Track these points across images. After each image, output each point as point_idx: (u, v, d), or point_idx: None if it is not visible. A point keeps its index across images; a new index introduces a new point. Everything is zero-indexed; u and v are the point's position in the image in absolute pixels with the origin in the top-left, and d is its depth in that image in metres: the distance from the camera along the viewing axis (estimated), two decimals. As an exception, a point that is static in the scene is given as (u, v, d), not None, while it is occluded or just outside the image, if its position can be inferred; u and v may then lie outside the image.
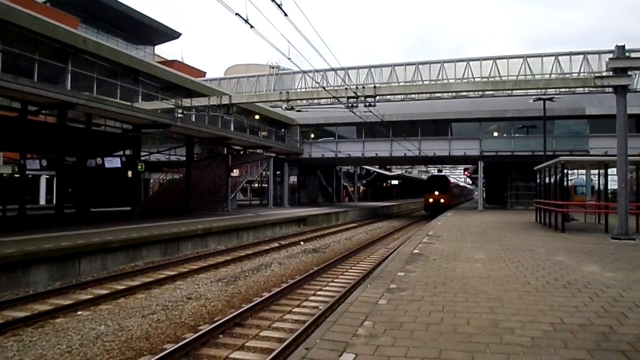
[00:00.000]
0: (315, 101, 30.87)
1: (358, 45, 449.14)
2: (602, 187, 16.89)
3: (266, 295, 8.67)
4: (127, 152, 20.65)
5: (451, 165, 54.23)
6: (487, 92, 31.16)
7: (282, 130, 33.90)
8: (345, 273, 11.60)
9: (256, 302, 8.09)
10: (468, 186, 75.70)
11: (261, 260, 13.24)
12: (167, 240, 13.62)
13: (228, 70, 68.52)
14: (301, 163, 36.14)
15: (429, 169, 42.09)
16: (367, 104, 17.43)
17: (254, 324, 7.19)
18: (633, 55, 14.88)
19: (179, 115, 20.64)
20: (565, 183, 17.14)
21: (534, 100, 25.37)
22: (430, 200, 37.19)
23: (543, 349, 4.18)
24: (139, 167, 18.60)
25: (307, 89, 39.19)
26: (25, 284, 9.21)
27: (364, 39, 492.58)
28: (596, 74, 25.66)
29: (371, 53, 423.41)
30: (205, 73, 50.27)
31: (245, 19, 10.67)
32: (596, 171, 19.85)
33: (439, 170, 43.70)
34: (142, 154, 21.01)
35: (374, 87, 20.50)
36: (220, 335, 6.59)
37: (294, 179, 42.29)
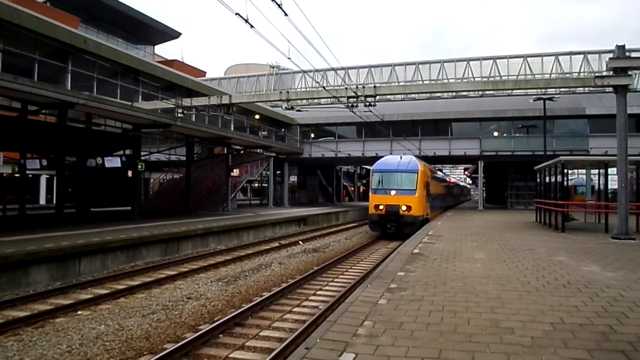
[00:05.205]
0: (315, 101, 30.85)
1: (369, 45, 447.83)
2: (602, 186, 16.91)
3: (266, 295, 8.67)
4: (127, 151, 20.64)
5: (451, 165, 54.19)
6: (487, 92, 31.14)
7: (282, 130, 33.88)
8: (346, 273, 11.60)
9: (256, 301, 8.09)
10: (461, 183, 62.00)
11: (261, 260, 13.25)
12: (167, 240, 13.62)
13: (228, 70, 68.58)
14: (301, 163, 36.14)
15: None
16: (367, 103, 17.42)
17: (254, 323, 7.19)
18: (633, 54, 14.88)
19: (179, 115, 20.64)
20: (565, 183, 17.14)
21: (534, 100, 25.40)
22: (380, 207, 18.50)
23: (543, 348, 4.18)
24: (139, 166, 18.59)
25: (307, 89, 39.19)
26: (26, 283, 9.21)
27: (377, 39, 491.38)
28: (596, 74, 25.67)
29: (382, 52, 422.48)
30: (205, 73, 50.26)
31: (245, 18, 10.66)
32: (596, 171, 19.88)
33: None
34: (142, 153, 21.02)
35: (374, 86, 20.47)
36: (221, 335, 6.59)
37: (294, 178, 42.28)
